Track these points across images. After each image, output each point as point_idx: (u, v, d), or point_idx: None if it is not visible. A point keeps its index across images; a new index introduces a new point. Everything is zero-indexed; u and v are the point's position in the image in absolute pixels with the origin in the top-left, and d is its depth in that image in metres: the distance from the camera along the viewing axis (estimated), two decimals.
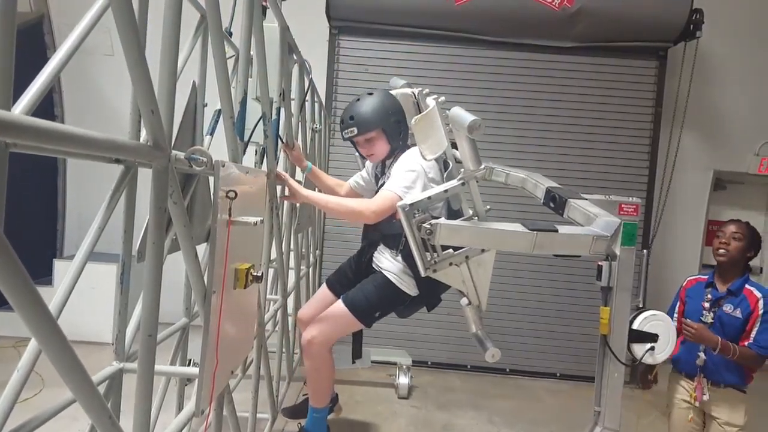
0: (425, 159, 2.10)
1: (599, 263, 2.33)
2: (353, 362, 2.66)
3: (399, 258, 2.41)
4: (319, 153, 4.85)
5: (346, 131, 2.43)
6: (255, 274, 1.91)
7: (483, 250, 2.09)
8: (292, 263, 3.79)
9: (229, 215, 1.71)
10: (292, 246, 3.39)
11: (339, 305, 2.42)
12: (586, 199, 2.28)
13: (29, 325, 0.90)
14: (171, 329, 2.33)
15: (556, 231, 1.99)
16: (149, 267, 1.32)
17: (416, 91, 2.53)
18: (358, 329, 2.60)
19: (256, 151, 2.99)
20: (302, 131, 3.42)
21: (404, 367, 4.91)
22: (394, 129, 2.44)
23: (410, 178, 2.27)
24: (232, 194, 1.70)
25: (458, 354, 5.72)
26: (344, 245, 5.73)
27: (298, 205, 3.23)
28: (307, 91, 3.14)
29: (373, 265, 2.51)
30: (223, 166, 1.64)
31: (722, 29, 5.92)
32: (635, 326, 2.41)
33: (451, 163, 2.22)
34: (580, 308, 5.67)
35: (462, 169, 2.00)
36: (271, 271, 3.44)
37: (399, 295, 2.43)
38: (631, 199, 2.45)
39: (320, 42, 5.67)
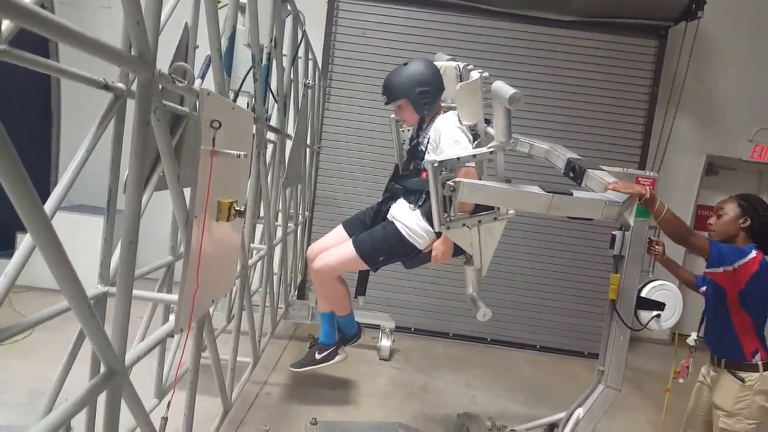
0: (460, 123, 2.39)
1: (613, 233, 2.52)
2: (355, 298, 2.82)
3: (417, 212, 2.54)
4: (312, 112, 4.86)
5: (384, 97, 2.67)
6: (238, 208, 1.96)
7: (495, 219, 2.23)
8: (280, 220, 3.87)
9: (213, 145, 1.75)
10: (280, 203, 3.44)
11: (348, 244, 2.59)
12: (605, 170, 2.40)
13: (27, 222, 0.97)
14: (156, 264, 2.38)
15: (571, 194, 2.11)
16: (132, 175, 1.36)
17: (461, 64, 2.70)
18: (364, 269, 2.75)
19: (248, 104, 3.02)
20: (294, 85, 3.44)
21: (387, 330, 5.01)
22: (419, 99, 2.59)
23: (466, 146, 2.42)
24: (216, 124, 1.74)
25: (442, 322, 5.84)
26: (335, 210, 5.79)
27: (286, 158, 3.28)
28: (300, 43, 3.15)
29: (388, 215, 2.65)
30: (208, 94, 1.68)
31: (724, 12, 5.88)
32: (643, 294, 2.56)
33: (481, 136, 2.41)
34: (563, 283, 5.77)
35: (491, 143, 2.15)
36: (259, 227, 3.51)
37: (405, 246, 2.56)
38: (648, 173, 2.63)
39: (320, 3, 5.63)
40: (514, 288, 5.76)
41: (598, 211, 2.18)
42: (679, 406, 3.00)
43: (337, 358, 2.88)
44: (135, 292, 1.52)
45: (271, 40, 2.52)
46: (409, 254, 2.62)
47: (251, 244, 3.03)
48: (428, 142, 2.56)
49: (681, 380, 2.76)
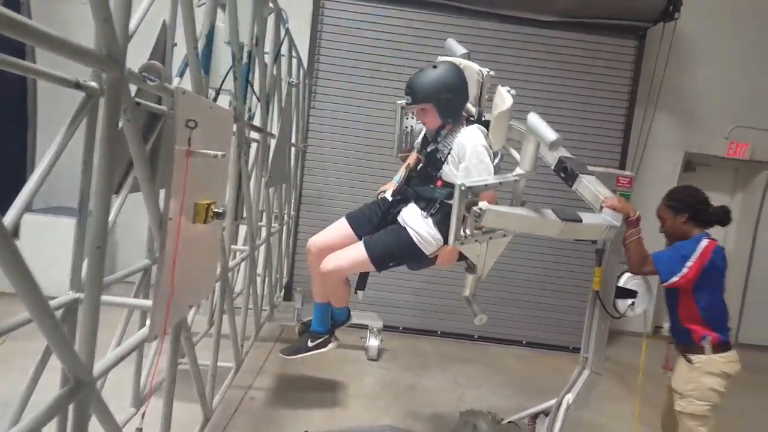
0: (491, 147, 2.42)
1: None
2: (355, 292, 2.78)
3: (429, 220, 2.55)
4: (297, 110, 4.82)
5: (406, 97, 2.56)
6: (216, 210, 1.92)
7: (504, 235, 2.36)
8: (264, 221, 3.81)
9: (189, 145, 1.71)
10: (263, 203, 3.39)
11: (360, 247, 2.55)
12: (593, 173, 2.55)
13: None
14: (132, 268, 2.33)
15: (581, 221, 2.29)
16: (100, 177, 1.32)
17: (485, 71, 2.62)
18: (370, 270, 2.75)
19: (230, 103, 2.98)
20: (277, 83, 3.39)
21: (375, 330, 4.98)
22: (445, 106, 2.53)
23: (489, 166, 2.45)
24: (192, 124, 1.70)
25: (430, 320, 5.84)
26: (322, 210, 5.76)
27: (270, 156, 3.24)
28: (283, 41, 3.10)
29: (399, 219, 2.62)
30: (183, 93, 1.64)
31: (700, 13, 6.00)
32: (620, 284, 2.69)
33: (499, 156, 2.51)
34: (549, 279, 5.81)
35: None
36: (243, 228, 3.46)
37: (414, 252, 2.57)
38: (626, 172, 2.84)
39: (305, 1, 5.60)
40: (501, 285, 5.76)
41: (601, 235, 2.40)
42: (659, 397, 3.08)
43: (330, 346, 2.84)
44: (106, 298, 1.48)
45: (252, 38, 2.48)
46: (416, 259, 2.64)
47: (233, 246, 2.99)
48: (449, 153, 2.51)
49: (670, 374, 2.83)
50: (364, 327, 4.98)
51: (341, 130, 5.73)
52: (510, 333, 5.85)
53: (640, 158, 6.06)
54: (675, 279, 2.59)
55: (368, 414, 3.88)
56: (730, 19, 6.32)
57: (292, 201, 5.27)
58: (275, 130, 3.48)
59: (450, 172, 2.48)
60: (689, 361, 2.65)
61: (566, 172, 2.55)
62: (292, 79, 3.74)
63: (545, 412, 2.91)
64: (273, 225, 3.93)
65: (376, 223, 2.65)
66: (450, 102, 2.51)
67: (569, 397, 2.73)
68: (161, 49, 2.45)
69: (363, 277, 2.79)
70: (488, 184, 2.21)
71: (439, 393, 4.39)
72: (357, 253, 2.54)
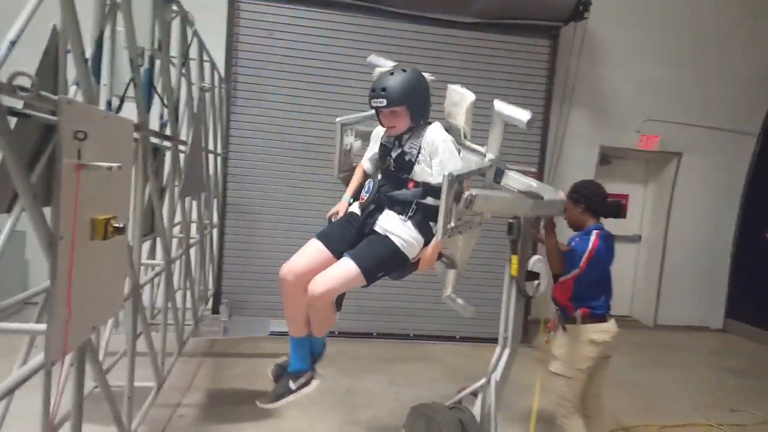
0: (463, 140, 2.58)
1: (510, 221, 2.86)
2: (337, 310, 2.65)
3: (409, 223, 2.50)
4: (213, 116, 4.67)
5: (375, 100, 2.49)
6: (116, 225, 1.81)
7: (480, 223, 2.56)
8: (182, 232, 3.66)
9: (79, 158, 1.60)
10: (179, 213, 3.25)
11: (348, 264, 2.41)
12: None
13: None
14: (34, 290, 2.17)
15: (543, 198, 2.52)
16: None
17: (430, 77, 2.70)
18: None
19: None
20: (187, 88, 3.26)
21: None
22: (419, 110, 2.54)
23: (458, 159, 2.53)
24: (81, 135, 1.60)
25: (365, 323, 5.83)
26: (250, 217, 5.61)
27: (182, 164, 3.11)
28: (190, 44, 2.99)
29: (377, 228, 2.53)
30: (69, 103, 1.53)
31: (608, 13, 6.31)
32: (528, 268, 2.94)
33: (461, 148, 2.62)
34: (478, 274, 5.93)
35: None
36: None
37: (399, 258, 2.51)
38: (531, 169, 3.25)
39: (220, 4, 5.43)
40: (430, 284, 5.83)
41: (558, 209, 2.76)
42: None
43: (314, 384, 2.67)
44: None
45: (153, 43, 2.36)
46: (401, 265, 2.57)
47: (147, 261, 2.85)
48: (418, 153, 2.51)
49: (552, 333, 3.33)
50: None
51: (265, 134, 5.60)
52: (444, 329, 5.95)
53: (558, 153, 6.33)
54: (570, 275, 3.03)
55: (304, 423, 3.81)
56: (635, 16, 6.66)
57: (215, 209, 5.10)
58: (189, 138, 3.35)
59: (422, 171, 2.49)
60: (564, 329, 3.13)
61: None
62: (204, 84, 3.61)
63: (474, 393, 3.08)
64: (193, 236, 3.78)
65: (352, 240, 2.54)
66: (423, 104, 2.55)
67: (496, 375, 2.92)
68: (53, 56, 2.29)
69: (340, 297, 2.65)
70: (472, 170, 2.32)
71: (376, 395, 4.39)
72: (346, 269, 2.40)
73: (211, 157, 4.69)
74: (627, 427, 4.13)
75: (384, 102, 2.45)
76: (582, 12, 5.79)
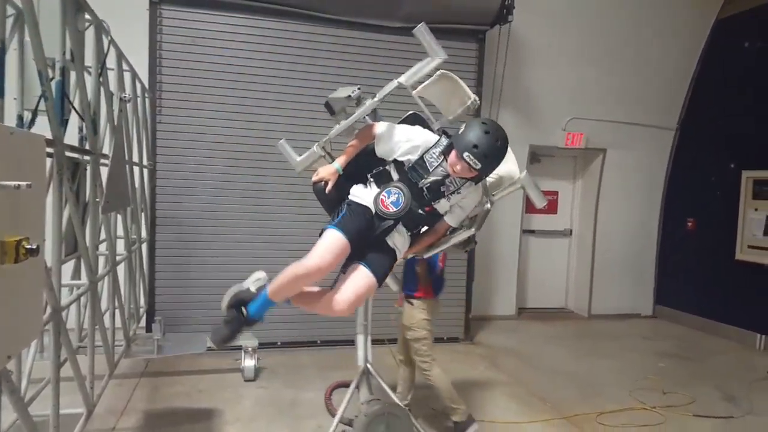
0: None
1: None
2: None
3: (409, 239, 2.75)
4: (137, 127, 4.48)
5: (472, 159, 2.46)
6: (28, 246, 1.70)
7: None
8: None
9: None
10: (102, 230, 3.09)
11: (369, 276, 2.56)
12: None
13: None
14: None
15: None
16: None
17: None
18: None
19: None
20: (105, 99, 3.12)
21: (249, 349, 4.81)
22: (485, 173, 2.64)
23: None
24: None
25: (308, 331, 5.75)
26: (181, 230, 5.41)
27: (104, 180, 2.96)
28: (107, 54, 2.86)
29: (389, 241, 2.65)
30: None
31: (532, 15, 6.52)
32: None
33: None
34: None
35: None
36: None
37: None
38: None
39: (142, 12, 5.22)
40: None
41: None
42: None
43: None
44: None
45: (64, 53, 2.24)
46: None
47: (70, 281, 2.69)
48: (454, 192, 2.63)
49: (397, 306, 4.01)
50: (238, 348, 4.79)
51: (195, 144, 5.41)
52: (387, 332, 5.96)
53: None
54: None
55: None
56: (557, 17, 6.91)
57: (143, 223, 4.89)
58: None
59: (445, 205, 2.66)
60: (411, 303, 3.86)
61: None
62: (124, 95, 3.46)
63: (357, 386, 3.49)
64: (120, 252, 3.61)
65: (365, 245, 2.59)
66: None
67: (369, 359, 3.50)
68: None
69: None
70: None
71: (320, 404, 4.34)
72: (368, 283, 2.56)
73: (136, 169, 4.50)
74: (567, 416, 4.30)
75: (479, 166, 2.46)
76: (506, 15, 5.97)
